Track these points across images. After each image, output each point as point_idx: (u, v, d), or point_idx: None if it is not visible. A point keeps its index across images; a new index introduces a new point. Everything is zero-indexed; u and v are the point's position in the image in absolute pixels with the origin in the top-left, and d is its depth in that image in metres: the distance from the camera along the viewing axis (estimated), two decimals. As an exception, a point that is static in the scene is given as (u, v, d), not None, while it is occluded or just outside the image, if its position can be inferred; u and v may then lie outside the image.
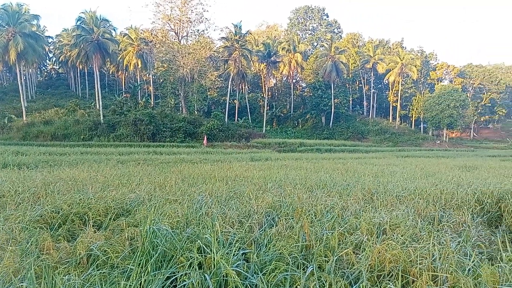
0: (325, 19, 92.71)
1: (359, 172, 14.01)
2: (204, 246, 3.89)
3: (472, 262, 3.68)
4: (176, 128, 45.38)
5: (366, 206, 6.70)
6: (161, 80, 62.44)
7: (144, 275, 3.31)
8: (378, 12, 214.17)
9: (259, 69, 72.77)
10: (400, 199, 7.69)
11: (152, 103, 58.84)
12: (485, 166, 17.88)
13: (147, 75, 69.18)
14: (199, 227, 4.75)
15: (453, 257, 3.81)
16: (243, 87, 69.06)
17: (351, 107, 75.73)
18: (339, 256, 3.94)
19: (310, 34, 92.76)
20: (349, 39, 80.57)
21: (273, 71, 71.65)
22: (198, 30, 57.27)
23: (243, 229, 4.90)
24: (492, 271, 3.41)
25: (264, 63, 65.17)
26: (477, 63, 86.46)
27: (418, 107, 70.96)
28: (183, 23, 53.70)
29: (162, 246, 3.86)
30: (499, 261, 3.98)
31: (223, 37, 59.46)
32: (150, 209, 5.86)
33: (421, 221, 5.82)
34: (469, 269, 3.61)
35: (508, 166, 18.34)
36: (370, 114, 75.83)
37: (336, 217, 5.67)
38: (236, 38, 54.75)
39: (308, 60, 73.18)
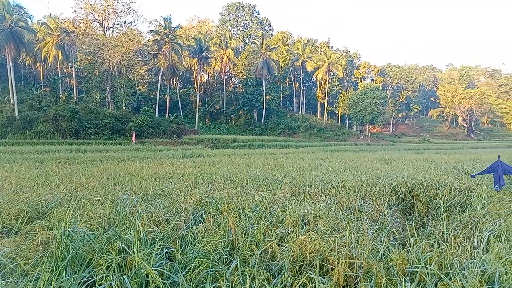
0: (256, 16, 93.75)
1: (288, 166, 14.38)
2: (125, 247, 3.72)
3: (384, 248, 3.94)
4: (102, 124, 42.91)
5: (293, 199, 6.89)
6: (85, 74, 58.69)
7: (54, 280, 3.06)
8: (306, 11, 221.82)
9: (190, 64, 71.55)
10: (324, 191, 8.02)
11: (75, 98, 54.92)
12: (401, 159, 19.32)
13: (69, 68, 64.37)
14: (122, 228, 4.53)
15: (368, 244, 4.06)
16: (174, 82, 67.45)
17: (282, 103, 77.62)
18: (264, 249, 4.01)
19: (242, 30, 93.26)
20: (280, 37, 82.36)
21: (205, 67, 70.84)
22: (125, 22, 54.84)
23: (169, 228, 4.78)
24: (401, 255, 3.69)
25: (196, 58, 64.10)
26: (395, 64, 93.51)
27: (343, 104, 74.72)
28: (108, 14, 50.99)
29: (77, 249, 3.61)
30: (409, 246, 4.32)
31: (152, 30, 57.51)
32: (69, 210, 5.47)
33: (342, 211, 6.12)
34: (382, 255, 3.87)
35: (421, 158, 19.99)
36: (300, 110, 78.39)
37: (263, 211, 5.76)
38: (166, 31, 53.18)
39: (240, 56, 73.56)
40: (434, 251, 3.73)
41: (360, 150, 34.74)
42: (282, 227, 4.80)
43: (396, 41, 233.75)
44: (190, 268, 3.50)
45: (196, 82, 68.50)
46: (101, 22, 51.86)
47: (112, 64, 47.99)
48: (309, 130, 67.37)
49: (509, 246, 4.17)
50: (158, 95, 56.18)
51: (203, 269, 3.47)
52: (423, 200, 7.82)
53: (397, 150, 37.73)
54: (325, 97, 74.67)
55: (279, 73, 75.68)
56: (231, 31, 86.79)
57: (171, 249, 3.96)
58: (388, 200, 7.66)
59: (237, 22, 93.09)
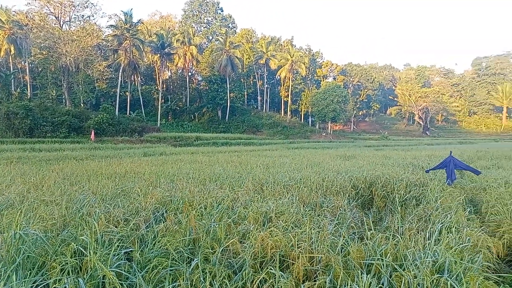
0: (219, 13, 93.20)
1: (252, 164, 14.41)
2: (81, 249, 3.59)
3: (343, 241, 4.05)
4: (59, 122, 41.09)
5: (256, 197, 6.92)
6: (40, 69, 55.96)
7: (2, 284, 2.90)
8: (270, 9, 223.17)
9: (152, 61, 70.08)
10: (287, 188, 8.11)
11: (29, 94, 52.23)
12: (361, 156, 19.88)
13: (22, 63, 61.19)
14: (78, 229, 4.37)
15: (328, 238, 4.15)
16: (136, 79, 65.86)
17: (246, 101, 77.69)
18: (226, 247, 4.00)
19: (205, 27, 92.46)
20: (243, 35, 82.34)
21: (167, 63, 69.67)
22: (83, 15, 52.80)
23: (128, 228, 4.66)
24: (359, 249, 3.81)
25: (158, 55, 62.86)
26: (356, 63, 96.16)
27: (306, 102, 75.96)
28: (64, 7, 48.87)
29: (29, 252, 3.44)
30: (366, 239, 4.46)
31: (112, 25, 55.80)
32: (20, 212, 5.20)
33: (304, 207, 6.22)
34: (341, 249, 3.98)
35: (380, 155, 20.67)
36: (264, 108, 78.86)
37: (226, 209, 5.75)
38: (126, 26, 51.75)
39: (203, 53, 72.92)
40: (389, 243, 3.88)
41: (323, 147, 35.40)
42: (244, 224, 4.81)
43: (357, 41, 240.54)
44: (149, 268, 3.44)
45: (159, 78, 67.18)
46: (57, 16, 49.60)
47: (69, 59, 46.06)
48: (273, 128, 67.96)
49: (459, 237, 4.41)
50: (118, 92, 54.60)
51: (162, 269, 3.42)
52: (381, 195, 8.08)
53: (357, 147, 38.77)
54: (288, 95, 75.54)
55: (243, 70, 75.76)
56: (194, 27, 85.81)
57: (130, 249, 3.87)
58: (348, 196, 7.86)
59: (201, 19, 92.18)
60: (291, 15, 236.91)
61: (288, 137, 62.98)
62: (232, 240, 4.03)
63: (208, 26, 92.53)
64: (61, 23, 50.28)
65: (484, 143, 51.90)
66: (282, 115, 77.81)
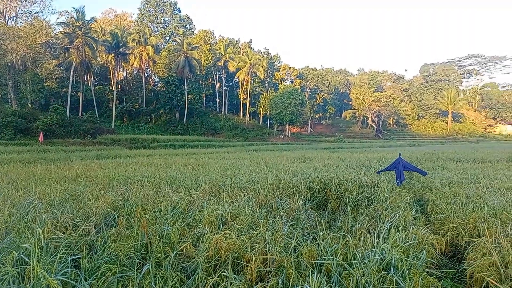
0: (177, 13, 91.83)
1: (210, 166, 14.33)
2: (24, 257, 3.39)
3: (295, 242, 4.12)
4: (4, 123, 38.61)
5: (212, 199, 6.88)
6: (-18, 67, 52.29)
7: None
8: (228, 12, 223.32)
9: (107, 60, 67.65)
10: (244, 190, 8.13)
11: (-31, 93, 48.84)
12: (317, 158, 20.33)
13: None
14: (21, 236, 4.12)
15: (282, 240, 4.21)
16: (89, 79, 63.32)
17: (204, 103, 77.01)
18: (179, 251, 3.94)
19: (162, 27, 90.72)
20: (201, 36, 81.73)
21: (122, 63, 67.57)
22: (31, 11, 49.96)
23: (77, 234, 4.46)
24: (311, 249, 3.89)
25: (112, 54, 60.76)
26: (312, 67, 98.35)
27: (265, 104, 76.61)
28: (10, 2, 45.98)
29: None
30: (318, 240, 4.56)
31: (62, 22, 53.25)
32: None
33: (260, 209, 6.26)
34: (294, 249, 4.04)
35: (335, 157, 21.23)
36: (223, 110, 78.65)
37: (181, 212, 5.67)
38: (78, 24, 49.63)
39: (160, 54, 71.51)
40: (340, 243, 4.00)
41: (280, 150, 35.83)
42: (199, 228, 4.77)
43: (313, 45, 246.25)
44: (97, 275, 3.31)
45: (113, 79, 65.00)
46: (1, 11, 46.57)
47: (16, 57, 43.34)
48: (231, 130, 67.93)
49: (405, 235, 4.63)
50: (70, 92, 52.18)
51: (111, 275, 3.31)
52: (335, 196, 8.30)
53: (314, 149, 39.62)
54: (247, 97, 75.85)
55: (202, 72, 75.08)
56: (150, 27, 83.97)
57: (78, 256, 3.70)
58: (304, 197, 8.00)
59: (157, 19, 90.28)
60: (249, 18, 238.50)
61: (247, 139, 63.20)
62: (185, 244, 3.98)
63: (165, 27, 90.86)
64: (6, 18, 47.26)
65: (431, 145, 54.84)
66: (241, 117, 77.98)
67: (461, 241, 5.38)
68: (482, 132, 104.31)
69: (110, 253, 3.83)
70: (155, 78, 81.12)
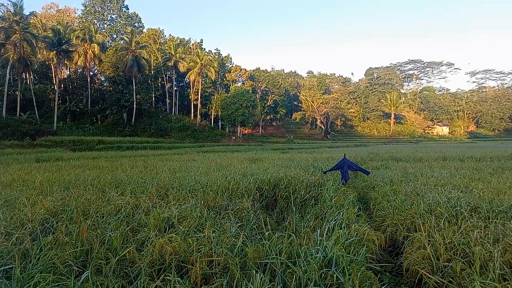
0: (124, 11, 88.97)
1: (158, 168, 14.00)
2: None
3: (241, 243, 4.14)
4: None
5: (159, 202, 6.72)
6: None
7: None
8: (179, 11, 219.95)
9: (48, 58, 63.95)
10: (192, 192, 8.02)
11: None
12: (268, 158, 20.52)
13: None
14: None
15: (229, 241, 4.21)
16: (28, 77, 59.49)
17: (154, 103, 75.13)
18: (122, 256, 3.81)
19: (109, 25, 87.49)
20: (151, 35, 79.76)
21: (66, 61, 64.18)
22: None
23: (10, 242, 4.16)
24: (256, 249, 3.93)
25: (54, 51, 57.45)
26: (263, 69, 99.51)
27: (216, 105, 76.27)
28: None
29: None
30: (264, 240, 4.60)
31: (-3, 16, 49.66)
32: None
33: (208, 211, 6.21)
34: (241, 250, 4.06)
35: (285, 157, 21.56)
36: (173, 111, 77.26)
37: (126, 217, 5.49)
38: (16, 18, 46.52)
39: (107, 52, 68.77)
40: (285, 242, 4.08)
41: (232, 151, 35.81)
42: (144, 232, 4.64)
43: (265, 47, 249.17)
44: (30, 286, 3.11)
45: (55, 77, 61.54)
46: None
47: None
48: (182, 131, 66.92)
49: (348, 232, 4.81)
50: (6, 90, 48.69)
51: (46, 285, 3.12)
52: (284, 196, 8.43)
53: (265, 150, 39.94)
54: (198, 98, 75.07)
55: (151, 72, 73.24)
56: (96, 24, 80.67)
57: (9, 266, 3.46)
58: (253, 198, 8.05)
59: (104, 16, 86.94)
60: (200, 18, 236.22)
61: (198, 140, 62.55)
62: (129, 249, 3.85)
63: (112, 24, 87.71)
64: None
65: (376, 146, 57.41)
66: (192, 118, 77.02)
67: (399, 237, 5.67)
68: (422, 133, 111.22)
69: (46, 261, 3.61)
70: (101, 77, 77.82)
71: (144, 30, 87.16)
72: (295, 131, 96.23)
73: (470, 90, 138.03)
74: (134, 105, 62.13)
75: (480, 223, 5.14)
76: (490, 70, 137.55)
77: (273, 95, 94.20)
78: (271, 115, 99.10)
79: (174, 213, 5.48)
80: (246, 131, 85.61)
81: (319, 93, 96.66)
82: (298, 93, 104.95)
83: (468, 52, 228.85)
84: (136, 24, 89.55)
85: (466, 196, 6.99)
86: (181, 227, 4.76)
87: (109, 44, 77.33)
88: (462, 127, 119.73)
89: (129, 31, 69.19)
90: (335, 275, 3.41)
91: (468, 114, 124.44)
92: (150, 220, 5.15)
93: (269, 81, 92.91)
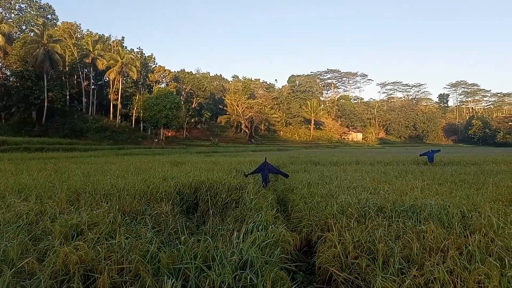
0: (36, 1, 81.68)
1: (71, 172, 13.05)
2: None
3: (154, 248, 4.01)
4: None
5: (69, 208, 6.25)
6: None
7: None
8: (99, 6, 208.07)
9: None
10: (107, 197, 7.60)
11: None
12: (191, 162, 20.24)
13: None
14: None
15: (143, 247, 4.04)
16: None
17: (68, 102, 69.70)
18: (20, 268, 3.45)
19: (17, 15, 79.56)
20: (66, 29, 74.24)
21: (-38, 51, 57.05)
22: None
23: None
24: (171, 254, 3.83)
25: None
26: (188, 70, 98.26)
27: (138, 106, 73.30)
28: None
29: None
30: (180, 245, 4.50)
31: None
32: None
33: (124, 216, 5.92)
34: (155, 256, 3.92)
35: (209, 161, 21.45)
36: (90, 111, 72.49)
37: (29, 224, 5.01)
38: None
39: (14, 44, 62.44)
40: (201, 246, 4.04)
41: (154, 154, 34.71)
42: (48, 240, 4.26)
43: (190, 49, 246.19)
44: None
45: (-51, 69, 54.32)
46: None
47: None
48: (100, 132, 63.24)
49: (265, 234, 4.91)
50: None
51: None
52: (205, 199, 8.36)
53: (189, 153, 39.43)
54: (118, 98, 71.49)
55: (65, 68, 68.07)
56: (2, 13, 72.79)
57: None
58: (173, 201, 7.86)
59: (11, 4, 78.88)
60: (122, 16, 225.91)
61: (118, 142, 59.54)
62: (28, 259, 3.50)
63: (21, 14, 79.90)
64: None
65: (297, 150, 59.75)
66: (111, 119, 73.02)
67: (314, 237, 5.94)
68: (338, 139, 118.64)
69: None
70: (6, 72, 70.26)
71: (59, 23, 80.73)
72: (220, 135, 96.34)
73: (380, 99, 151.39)
74: (46, 103, 57.20)
75: (384, 222, 5.57)
76: (397, 82, 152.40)
77: (198, 98, 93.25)
78: (196, 118, 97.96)
79: (84, 219, 5.12)
80: (170, 134, 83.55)
81: (244, 98, 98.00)
82: (223, 97, 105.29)
83: (379, 64, 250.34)
84: (49, 16, 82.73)
85: (374, 198, 7.54)
86: (90, 234, 4.46)
87: (17, 35, 70.32)
88: (373, 133, 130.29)
89: (40, 23, 63.59)
90: (249, 277, 3.46)
91: (379, 122, 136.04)
92: (55, 227, 4.74)
93: (194, 83, 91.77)
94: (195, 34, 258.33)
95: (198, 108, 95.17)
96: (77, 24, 78.31)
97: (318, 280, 4.61)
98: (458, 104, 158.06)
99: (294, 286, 3.90)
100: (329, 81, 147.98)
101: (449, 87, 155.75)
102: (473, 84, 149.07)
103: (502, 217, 5.48)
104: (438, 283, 3.40)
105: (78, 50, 70.59)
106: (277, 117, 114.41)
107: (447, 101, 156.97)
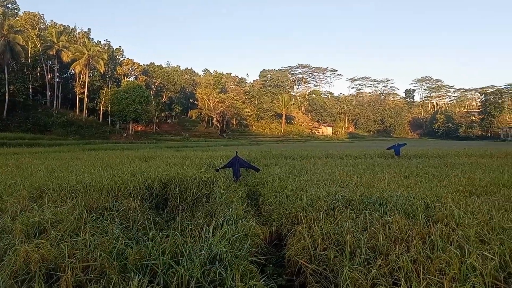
0: (-5, -12, 77.64)
1: (34, 168, 12.57)
2: None
3: (121, 245, 3.93)
4: None
5: (31, 205, 6.02)
6: None
7: None
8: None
9: None
10: (73, 193, 7.38)
11: None
12: (161, 156, 19.93)
13: None
14: None
15: (110, 244, 3.95)
16: None
17: (31, 95, 66.87)
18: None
19: (-26, 3, 75.42)
20: (28, 19, 71.05)
21: None
22: None
23: None
24: (138, 251, 3.76)
25: None
26: (158, 64, 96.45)
27: (106, 100, 71.36)
28: None
29: None
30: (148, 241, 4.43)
31: None
32: None
33: (89, 213, 5.76)
34: (122, 252, 3.84)
35: (180, 155, 21.20)
36: (55, 104, 69.86)
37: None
38: None
39: (-29, 34, 59.29)
40: (170, 241, 3.98)
41: (122, 149, 33.93)
42: (8, 238, 4.09)
43: (160, 42, 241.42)
44: None
45: None
46: None
47: None
48: (65, 127, 61.17)
49: (235, 228, 4.91)
50: None
51: None
52: (175, 195, 8.25)
53: (159, 148, 38.82)
54: (85, 91, 69.28)
55: (28, 60, 65.24)
56: (-44, 0, 68.84)
57: None
58: (142, 197, 7.73)
59: (-34, -9, 74.64)
60: (88, 6, 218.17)
61: (84, 137, 57.85)
62: (-17, 260, 3.34)
63: (-22, 2, 75.78)
64: None
65: (268, 144, 60.10)
66: (77, 113, 70.71)
67: (284, 230, 5.99)
68: (309, 133, 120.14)
69: None
70: (-37, 63, 66.61)
71: (20, 13, 77.08)
72: (191, 129, 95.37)
73: (350, 94, 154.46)
74: (7, 97, 54.74)
75: (352, 214, 5.68)
76: (366, 78, 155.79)
77: (168, 92, 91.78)
78: (166, 112, 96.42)
79: (48, 216, 4.94)
80: (139, 128, 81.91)
81: (215, 92, 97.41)
82: (194, 91, 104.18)
83: (349, 60, 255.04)
84: (9, 6, 78.74)
85: (343, 190, 7.68)
86: (54, 231, 4.30)
87: (-26, 25, 66.74)
88: (343, 128, 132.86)
89: (0, 13, 60.57)
90: (217, 271, 3.44)
91: (348, 117, 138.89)
92: (16, 225, 4.55)
93: (164, 77, 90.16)
94: (165, 27, 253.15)
95: (169, 102, 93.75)
96: (40, 15, 75.10)
97: (288, 273, 4.66)
98: (424, 99, 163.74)
99: (263, 279, 3.92)
100: (300, 76, 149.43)
101: (415, 82, 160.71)
102: (437, 80, 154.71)
103: (463, 208, 5.71)
104: (402, 271, 3.51)
105: (41, 41, 67.73)
106: (248, 112, 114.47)
107: (413, 96, 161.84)
